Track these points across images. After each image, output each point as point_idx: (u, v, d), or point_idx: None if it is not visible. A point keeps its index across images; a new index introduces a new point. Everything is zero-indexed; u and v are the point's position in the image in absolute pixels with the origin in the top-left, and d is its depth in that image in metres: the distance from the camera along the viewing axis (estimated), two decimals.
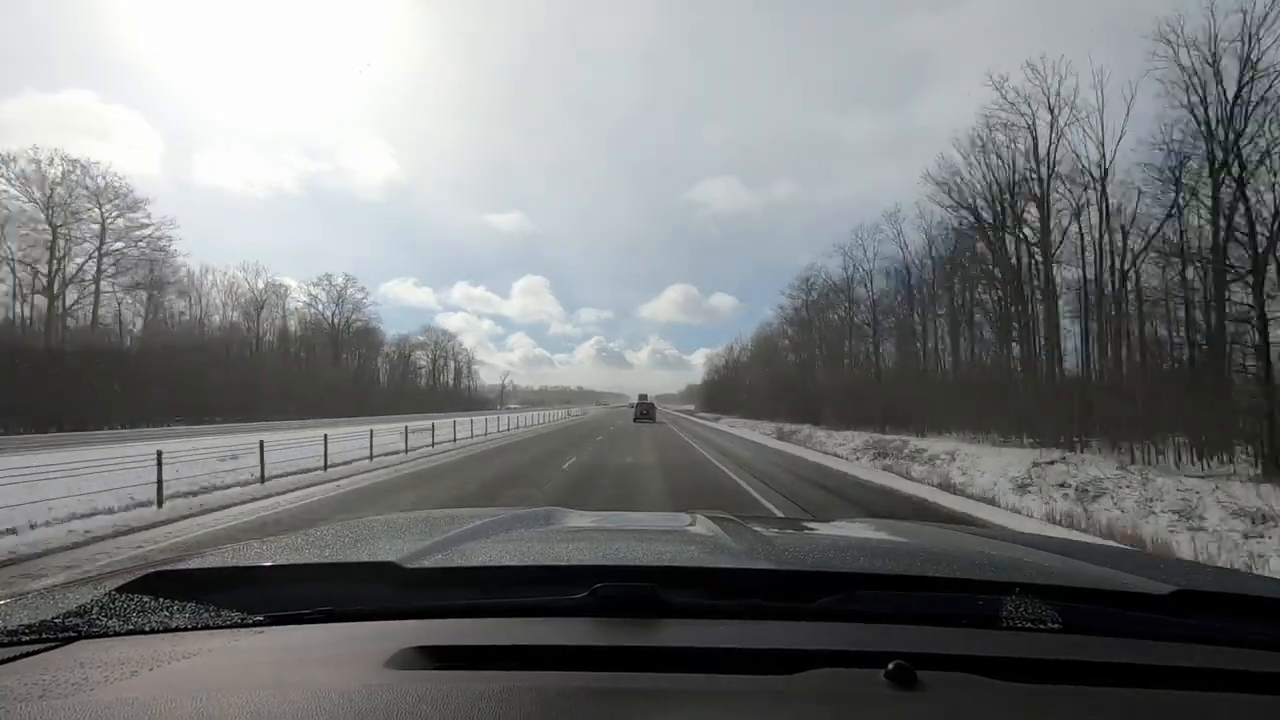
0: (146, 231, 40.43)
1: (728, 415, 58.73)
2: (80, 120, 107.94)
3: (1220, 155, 17.10)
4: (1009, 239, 25.04)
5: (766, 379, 53.71)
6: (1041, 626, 0.81)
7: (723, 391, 79.23)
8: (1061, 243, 23.33)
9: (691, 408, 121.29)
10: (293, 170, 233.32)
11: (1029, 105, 23.05)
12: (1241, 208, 16.47)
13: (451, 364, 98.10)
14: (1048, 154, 22.90)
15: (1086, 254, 22.66)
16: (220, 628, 0.83)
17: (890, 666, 0.65)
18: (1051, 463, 12.51)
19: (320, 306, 68.16)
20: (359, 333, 72.24)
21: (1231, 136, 16.77)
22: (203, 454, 12.47)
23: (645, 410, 44.94)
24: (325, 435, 13.68)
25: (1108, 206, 21.41)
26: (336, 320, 69.40)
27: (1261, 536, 7.51)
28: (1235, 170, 16.64)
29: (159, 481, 8.46)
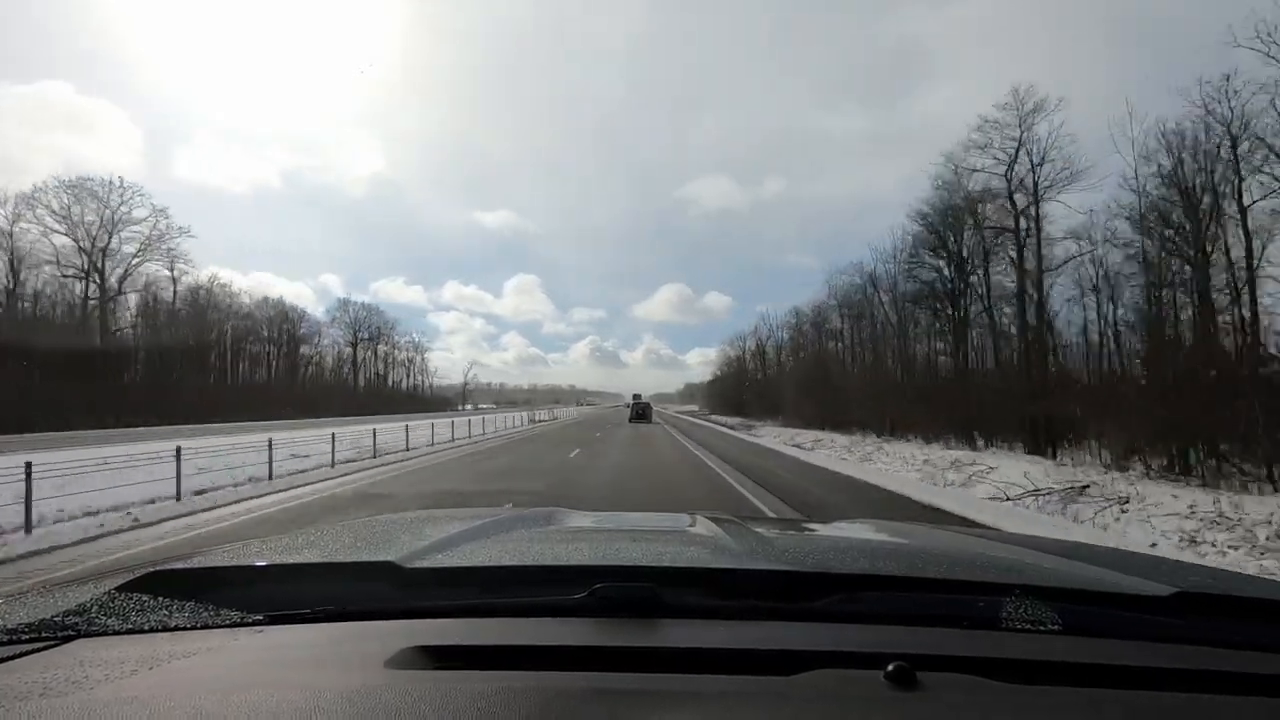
0: None
1: (761, 421, 42.12)
2: (55, 112, 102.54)
3: None
4: None
5: (864, 373, 31.91)
6: (1042, 628, 0.81)
7: (742, 390, 60.39)
8: None
9: (695, 408, 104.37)
10: (278, 166, 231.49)
11: None
12: None
13: (383, 352, 71.87)
14: None
15: None
16: (220, 627, 0.83)
17: (890, 667, 0.65)
18: None
19: (73, 229, 37.83)
20: (196, 295, 44.73)
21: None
22: None
23: (641, 411, 44.90)
24: None
25: None
26: (96, 258, 38.39)
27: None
28: None
29: None
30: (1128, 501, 9.32)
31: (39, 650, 0.77)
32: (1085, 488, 10.40)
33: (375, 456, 16.30)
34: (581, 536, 1.37)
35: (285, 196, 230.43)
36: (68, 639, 0.81)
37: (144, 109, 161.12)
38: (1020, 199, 21.02)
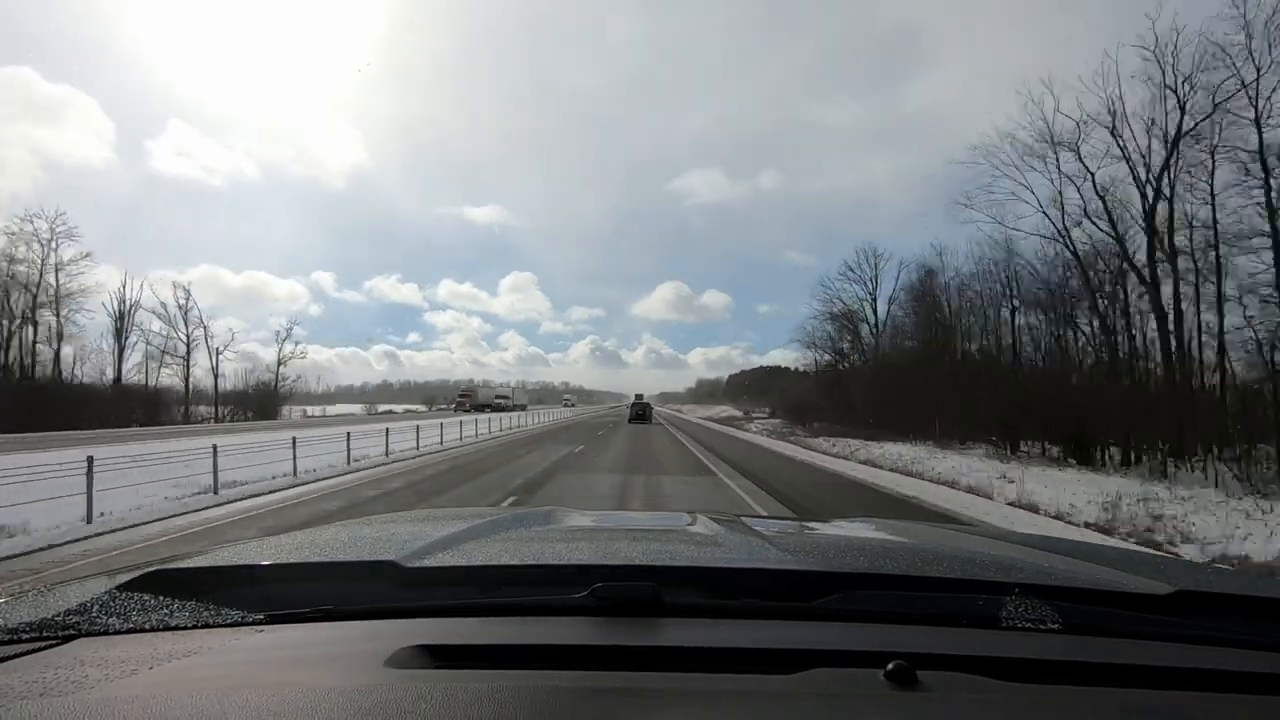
0: None
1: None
2: (21, 97, 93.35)
3: None
4: None
5: None
6: (1041, 626, 0.81)
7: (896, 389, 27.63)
8: None
9: (728, 411, 72.75)
10: (256, 159, 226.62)
11: None
12: None
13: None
14: None
15: None
16: (220, 626, 0.84)
17: (890, 666, 0.65)
18: None
19: None
20: None
21: None
22: None
23: (641, 411, 43.11)
24: None
25: None
26: None
27: None
28: None
29: None
30: None
31: (40, 649, 0.77)
32: None
33: None
34: (581, 535, 1.37)
35: (266, 191, 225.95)
36: (68, 638, 0.81)
37: (116, 98, 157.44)
38: None
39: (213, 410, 44.01)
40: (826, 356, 41.41)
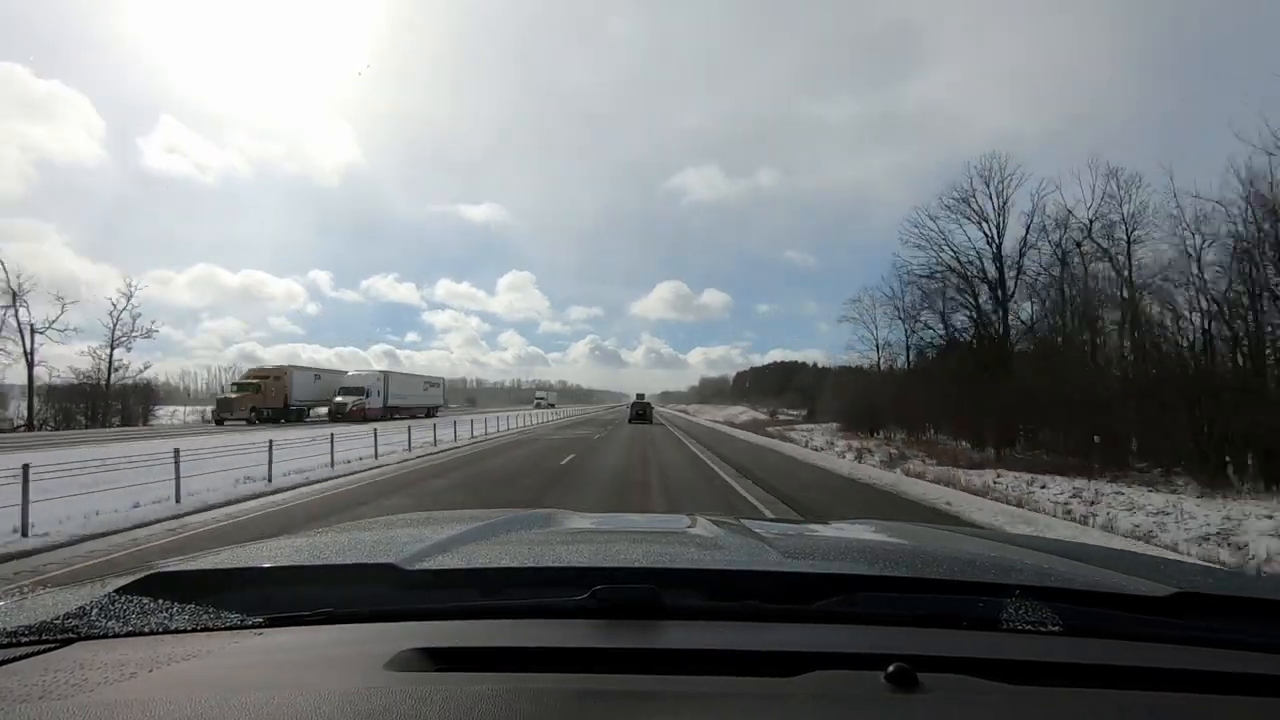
0: None
1: None
2: (10, 94, 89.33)
3: None
4: None
5: None
6: (1042, 629, 0.81)
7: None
8: None
9: (750, 414, 59.90)
10: (248, 156, 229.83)
11: None
12: None
13: None
14: None
15: None
16: (220, 629, 0.83)
17: (890, 669, 0.65)
18: None
19: None
20: None
21: None
22: None
23: (641, 411, 41.70)
24: None
25: None
26: None
27: None
28: None
29: None
30: None
31: (39, 653, 0.77)
32: None
33: None
34: (582, 538, 1.37)
35: (260, 189, 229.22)
36: (68, 641, 0.80)
37: (107, 95, 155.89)
38: None
39: (26, 413, 30.45)
40: (930, 334, 25.59)
